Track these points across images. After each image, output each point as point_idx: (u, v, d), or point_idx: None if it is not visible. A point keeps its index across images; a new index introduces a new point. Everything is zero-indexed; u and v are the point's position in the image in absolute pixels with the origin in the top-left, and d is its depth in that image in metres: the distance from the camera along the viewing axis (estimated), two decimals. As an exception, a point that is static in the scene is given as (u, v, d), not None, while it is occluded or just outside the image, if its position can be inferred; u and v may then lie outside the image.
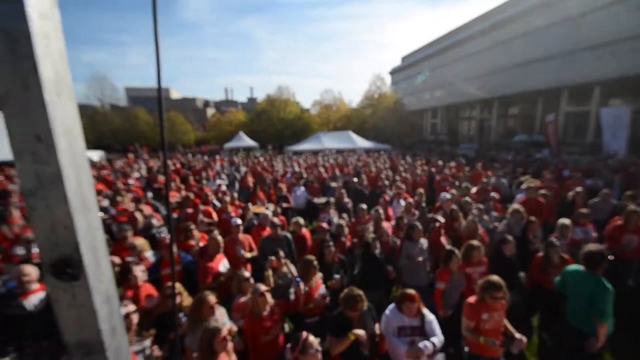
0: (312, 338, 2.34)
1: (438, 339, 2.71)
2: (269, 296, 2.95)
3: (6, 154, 15.87)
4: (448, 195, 6.50)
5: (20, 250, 4.27)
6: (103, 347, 0.58)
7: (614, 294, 2.94)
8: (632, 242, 4.29)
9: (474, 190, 7.72)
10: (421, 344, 2.61)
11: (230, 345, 2.51)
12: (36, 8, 0.46)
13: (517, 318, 3.11)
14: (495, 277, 2.86)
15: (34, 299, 2.91)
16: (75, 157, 0.53)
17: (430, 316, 2.84)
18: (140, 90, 58.33)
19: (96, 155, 22.75)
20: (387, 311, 2.91)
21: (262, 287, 2.95)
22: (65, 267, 0.53)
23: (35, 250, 4.13)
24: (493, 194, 6.63)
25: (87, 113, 32.43)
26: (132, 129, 34.14)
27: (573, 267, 3.32)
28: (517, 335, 2.77)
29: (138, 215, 5.52)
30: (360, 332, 2.61)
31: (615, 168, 9.55)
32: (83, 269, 0.54)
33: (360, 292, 2.79)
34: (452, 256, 3.61)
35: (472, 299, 2.92)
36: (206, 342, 2.35)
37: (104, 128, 33.20)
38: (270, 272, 3.59)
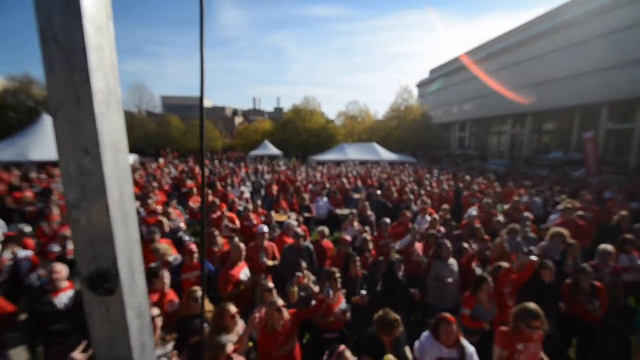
0: (348, 353, 2.28)
1: None
2: (285, 311, 2.88)
3: (49, 154, 17.17)
4: (474, 212, 6.21)
5: (56, 247, 4.50)
6: (132, 364, 0.56)
7: None
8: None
9: (506, 207, 7.35)
10: None
11: None
12: (92, 21, 0.47)
13: (552, 350, 2.85)
14: (532, 305, 2.66)
15: (63, 297, 3.01)
16: (120, 170, 0.53)
17: (470, 348, 2.60)
18: (174, 99, 61.43)
19: (131, 158, 24.03)
20: (422, 339, 2.68)
21: (279, 302, 2.88)
22: (102, 281, 0.52)
23: (70, 246, 4.34)
24: (526, 214, 6.25)
25: (125, 119, 34.46)
26: (165, 134, 35.84)
27: None
28: None
29: (164, 219, 5.70)
30: (393, 359, 2.48)
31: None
32: (119, 283, 0.53)
33: (397, 317, 2.67)
34: (482, 284, 3.36)
35: (505, 328, 2.71)
36: (211, 356, 2.30)
37: (139, 133, 35.11)
38: (295, 289, 3.54)
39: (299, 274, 3.59)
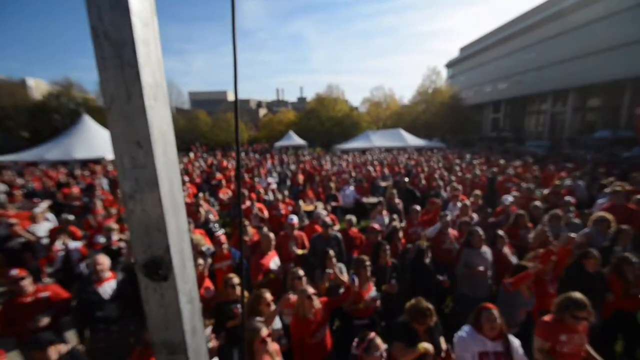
0: (379, 341, 2.29)
1: None
2: (315, 299, 2.93)
3: (93, 152, 18.47)
4: (510, 198, 5.89)
5: (102, 239, 4.87)
6: (185, 347, 0.59)
7: None
8: None
9: (545, 192, 6.91)
10: None
11: (274, 346, 2.53)
12: (139, 16, 0.48)
13: (595, 343, 2.68)
14: (577, 294, 2.51)
15: (107, 286, 3.26)
16: (169, 162, 0.55)
17: (516, 341, 2.47)
18: (201, 94, 63.31)
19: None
20: (462, 333, 2.55)
21: (310, 290, 2.94)
22: (157, 268, 0.55)
23: (114, 237, 4.67)
24: (568, 198, 5.85)
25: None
26: (193, 129, 37.16)
27: None
28: None
29: (201, 210, 5.96)
30: (429, 347, 2.45)
31: None
32: (172, 270, 0.55)
33: (430, 306, 2.62)
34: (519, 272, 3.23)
35: (548, 318, 2.59)
36: (248, 341, 2.39)
37: (171, 129, 36.66)
38: (326, 284, 3.59)
39: (329, 271, 3.61)
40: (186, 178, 10.95)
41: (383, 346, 2.28)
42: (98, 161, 17.84)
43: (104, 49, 0.46)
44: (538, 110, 32.55)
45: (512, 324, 3.29)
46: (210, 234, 5.35)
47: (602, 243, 4.16)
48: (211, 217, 6.07)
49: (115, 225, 4.84)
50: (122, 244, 4.48)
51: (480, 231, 4.01)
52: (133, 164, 0.50)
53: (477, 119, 38.70)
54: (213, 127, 37.16)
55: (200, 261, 3.64)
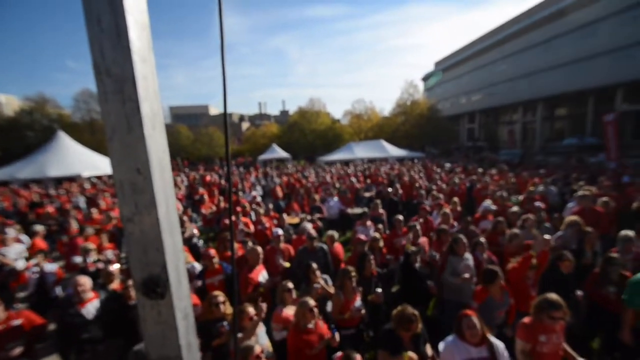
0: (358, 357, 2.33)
1: None
2: (316, 311, 2.95)
3: (68, 170, 17.74)
4: (492, 206, 6.14)
5: (78, 259, 4.68)
6: (181, 361, 0.61)
7: None
8: None
9: (520, 198, 7.23)
10: None
11: None
12: (138, 53, 0.52)
13: (573, 341, 2.81)
14: (553, 295, 2.63)
15: (90, 307, 3.16)
16: (165, 185, 0.58)
17: (500, 344, 2.50)
18: (182, 108, 62.51)
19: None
20: (447, 342, 2.58)
21: (312, 302, 2.95)
22: (155, 286, 0.57)
23: (90, 260, 4.50)
24: (538, 204, 6.14)
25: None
26: (174, 143, 36.49)
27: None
28: (579, 359, 2.50)
29: (186, 225, 5.85)
30: (414, 356, 2.48)
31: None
32: (169, 287, 0.58)
33: (416, 312, 2.66)
34: (494, 279, 3.31)
35: (527, 320, 2.69)
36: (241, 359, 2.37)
37: (150, 144, 35.83)
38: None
39: (317, 286, 3.63)
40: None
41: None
42: (73, 179, 17.15)
43: (106, 84, 0.50)
44: (510, 120, 34.19)
45: (492, 326, 3.39)
46: (194, 250, 5.24)
47: (572, 245, 4.38)
48: (194, 232, 5.96)
49: (92, 246, 4.67)
50: (100, 265, 4.32)
51: (464, 239, 4.14)
52: (133, 189, 0.54)
53: (454, 129, 40.17)
54: (195, 142, 36.69)
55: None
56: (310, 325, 2.88)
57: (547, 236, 3.61)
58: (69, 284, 3.52)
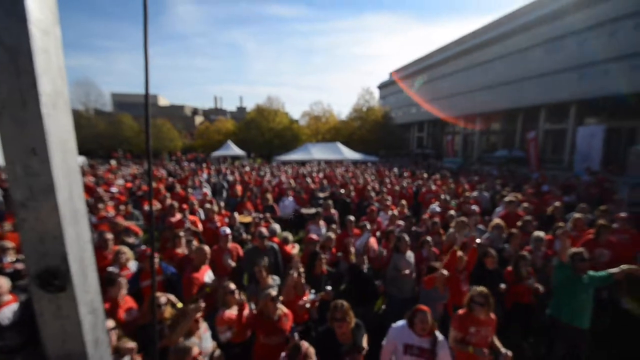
0: (312, 350, 2.39)
1: None
2: (279, 304, 2.98)
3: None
4: (438, 208, 6.63)
5: (-9, 259, 4.06)
6: (86, 358, 0.57)
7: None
8: (602, 255, 4.47)
9: (453, 203, 7.91)
10: None
11: None
12: (38, 25, 0.48)
13: (498, 332, 3.15)
14: (481, 288, 2.92)
15: (6, 311, 2.78)
16: (69, 170, 0.54)
17: (441, 337, 2.67)
18: (126, 96, 57.39)
19: (78, 160, 22.03)
20: (396, 325, 2.77)
21: (273, 292, 2.98)
22: (52, 279, 0.53)
23: (7, 259, 3.93)
24: (474, 207, 6.79)
25: (70, 118, 31.58)
26: (116, 134, 33.47)
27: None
28: (503, 350, 2.76)
29: (120, 221, 5.37)
30: None
31: (591, 184, 9.97)
32: (70, 279, 0.54)
33: (345, 303, 2.74)
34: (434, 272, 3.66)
35: (461, 311, 2.96)
36: None
37: (87, 133, 32.39)
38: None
39: (271, 292, 3.60)
40: (114, 189, 9.74)
41: (313, 351, 2.37)
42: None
43: (-1, 54, 0.45)
44: (454, 131, 37.22)
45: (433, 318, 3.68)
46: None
47: (499, 245, 4.92)
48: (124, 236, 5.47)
49: (10, 244, 4.07)
50: (20, 266, 3.79)
51: (407, 237, 4.42)
52: (26, 171, 0.49)
53: (405, 136, 42.65)
54: (140, 133, 33.96)
55: (122, 280, 3.28)
56: (274, 317, 2.93)
57: (472, 234, 4.02)
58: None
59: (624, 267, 3.52)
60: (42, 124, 0.48)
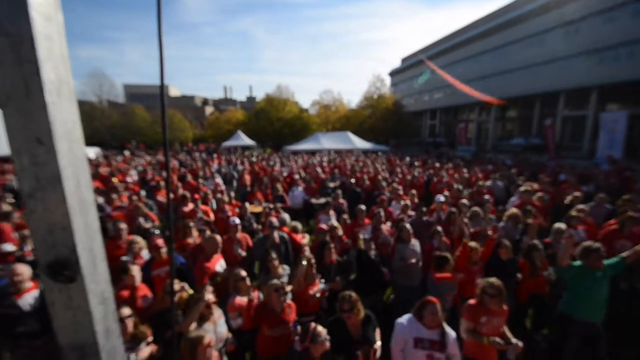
0: (320, 328, 2.39)
1: (456, 353, 2.60)
2: (282, 294, 2.99)
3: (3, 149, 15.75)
4: (442, 198, 6.53)
5: (9, 247, 4.24)
6: (97, 348, 0.58)
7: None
8: (624, 247, 4.32)
9: (465, 192, 7.77)
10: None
11: (214, 354, 2.49)
12: (40, 10, 0.46)
13: (510, 320, 3.12)
14: (493, 279, 2.88)
15: (28, 297, 2.90)
16: (75, 159, 0.53)
17: (452, 333, 2.65)
18: (138, 87, 58.09)
19: (92, 152, 22.58)
20: (403, 319, 2.71)
21: (277, 283, 2.99)
22: (62, 269, 0.53)
23: (27, 247, 4.10)
24: (486, 197, 6.66)
25: (84, 109, 32.21)
26: (129, 125, 34.03)
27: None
28: (514, 340, 2.73)
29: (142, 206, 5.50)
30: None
31: (610, 172, 9.61)
32: (80, 270, 0.54)
33: (353, 294, 2.74)
34: (444, 264, 3.62)
35: (472, 301, 2.93)
36: (187, 351, 2.32)
37: (101, 124, 33.06)
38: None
39: (276, 282, 3.64)
40: (129, 179, 9.98)
41: (324, 331, 2.40)
42: (8, 159, 15.29)
43: (0, 43, 0.44)
44: (467, 119, 36.34)
45: (442, 309, 3.66)
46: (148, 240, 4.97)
47: (515, 236, 4.83)
48: (142, 221, 5.61)
49: (29, 233, 4.22)
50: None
51: (408, 226, 4.39)
52: (33, 161, 0.48)
53: (417, 124, 41.89)
54: (152, 124, 34.43)
55: (135, 268, 3.37)
56: (278, 308, 2.93)
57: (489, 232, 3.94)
58: (4, 273, 3.19)
59: (637, 247, 3.43)
60: (46, 112, 0.48)
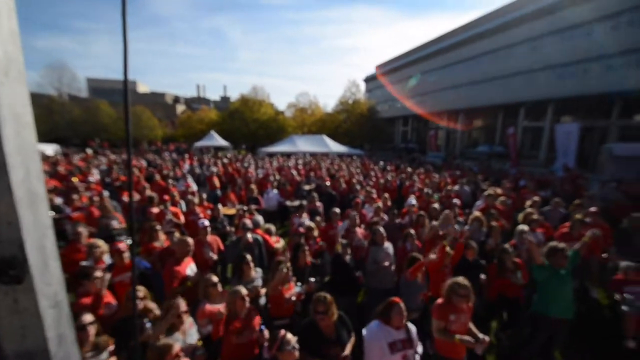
0: (289, 335, 2.33)
1: (420, 347, 2.73)
2: (247, 301, 2.90)
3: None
4: (414, 201, 6.73)
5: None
6: (49, 356, 0.52)
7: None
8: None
9: (435, 196, 8.08)
10: (414, 356, 2.60)
11: None
12: (-17, -21, 0.41)
13: (475, 321, 3.25)
14: (460, 278, 2.99)
15: None
16: (24, 146, 0.48)
17: (413, 328, 2.77)
18: (103, 82, 54.88)
19: (50, 148, 20.92)
20: (371, 327, 2.69)
21: (243, 291, 2.89)
22: (7, 268, 0.47)
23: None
24: (455, 201, 6.96)
25: (42, 102, 29.84)
26: (92, 121, 32.03)
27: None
28: (480, 335, 2.84)
29: (95, 210, 5.15)
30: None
31: (565, 179, 10.41)
32: (28, 270, 0.48)
33: (328, 295, 2.73)
34: (415, 263, 3.74)
35: (440, 301, 3.02)
36: (156, 357, 2.20)
37: (61, 119, 30.83)
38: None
39: (241, 290, 3.54)
40: (91, 179, 9.33)
41: (293, 339, 2.35)
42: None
43: None
44: (437, 127, 37.89)
45: (414, 308, 3.75)
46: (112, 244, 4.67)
47: (480, 237, 5.07)
48: (115, 223, 5.31)
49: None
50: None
51: (382, 229, 4.47)
52: None
53: (390, 130, 43.01)
54: (118, 120, 32.60)
55: (98, 274, 3.15)
56: (241, 314, 2.84)
57: (457, 227, 4.11)
58: None
59: (585, 238, 3.76)
60: (-10, 92, 0.42)
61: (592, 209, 5.50)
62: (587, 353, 3.97)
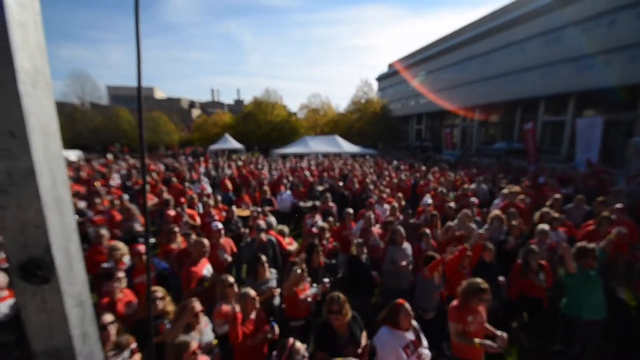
0: (298, 344, 2.31)
1: (426, 342, 2.72)
2: (257, 302, 2.93)
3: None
4: (430, 200, 6.62)
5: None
6: (74, 353, 0.55)
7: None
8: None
9: (451, 195, 7.92)
10: (425, 352, 2.59)
11: (202, 359, 2.43)
12: (13, -3, 0.44)
13: (494, 323, 3.17)
14: (478, 280, 2.91)
15: (3, 307, 2.76)
16: (51, 154, 0.51)
17: (418, 326, 2.77)
18: (122, 89, 56.72)
19: (74, 154, 21.87)
20: (382, 335, 2.61)
21: (252, 293, 2.93)
22: (35, 269, 0.50)
23: (2, 255, 3.91)
24: (472, 199, 6.80)
25: (65, 111, 31.26)
26: (113, 128, 33.16)
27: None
28: (498, 332, 2.79)
29: (116, 213, 5.34)
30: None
31: (588, 175, 9.98)
32: (54, 271, 0.51)
33: (341, 295, 2.72)
34: (431, 262, 3.69)
35: (455, 303, 2.96)
36: (173, 358, 2.26)
37: (83, 127, 32.08)
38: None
39: (250, 292, 3.58)
40: (112, 183, 9.68)
41: (303, 347, 2.32)
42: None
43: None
44: (452, 124, 37.16)
45: (430, 308, 3.70)
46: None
47: (499, 236, 4.94)
48: (137, 225, 5.48)
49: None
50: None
51: (402, 229, 4.42)
52: (5, 154, 0.46)
53: (404, 129, 42.48)
54: (136, 127, 33.37)
55: (120, 274, 3.27)
56: (251, 316, 2.86)
57: (481, 231, 4.02)
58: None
59: (611, 236, 3.64)
60: (20, 103, 0.45)
61: (618, 205, 5.25)
62: (612, 355, 3.81)
